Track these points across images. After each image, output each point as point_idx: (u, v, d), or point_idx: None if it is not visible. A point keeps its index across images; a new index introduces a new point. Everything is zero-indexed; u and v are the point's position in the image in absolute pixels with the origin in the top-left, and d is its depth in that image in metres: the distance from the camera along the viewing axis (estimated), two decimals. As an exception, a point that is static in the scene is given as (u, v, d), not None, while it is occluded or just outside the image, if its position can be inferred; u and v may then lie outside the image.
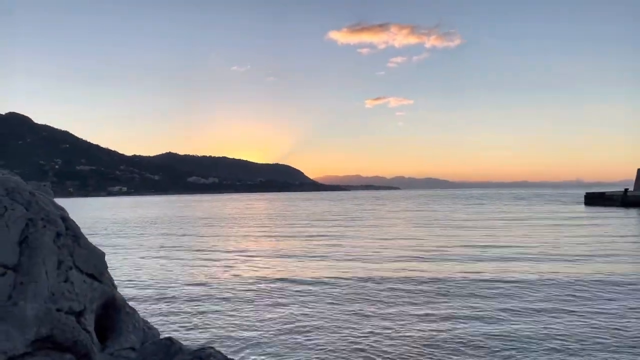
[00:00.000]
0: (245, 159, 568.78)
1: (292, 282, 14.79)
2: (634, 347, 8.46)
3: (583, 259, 18.15)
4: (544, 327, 9.56)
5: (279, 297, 12.70)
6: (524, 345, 8.53)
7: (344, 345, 8.73)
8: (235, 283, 14.82)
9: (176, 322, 10.54)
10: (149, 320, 5.66)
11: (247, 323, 10.33)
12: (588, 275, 14.82)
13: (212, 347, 5.06)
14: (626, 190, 62.13)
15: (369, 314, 10.82)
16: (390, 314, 10.80)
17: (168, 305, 12.17)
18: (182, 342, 4.87)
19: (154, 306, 12.05)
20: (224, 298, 12.80)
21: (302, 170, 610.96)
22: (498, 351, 8.32)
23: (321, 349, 8.60)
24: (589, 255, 18.89)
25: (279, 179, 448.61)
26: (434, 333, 9.30)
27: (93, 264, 4.59)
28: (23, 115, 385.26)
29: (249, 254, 21.98)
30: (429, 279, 14.63)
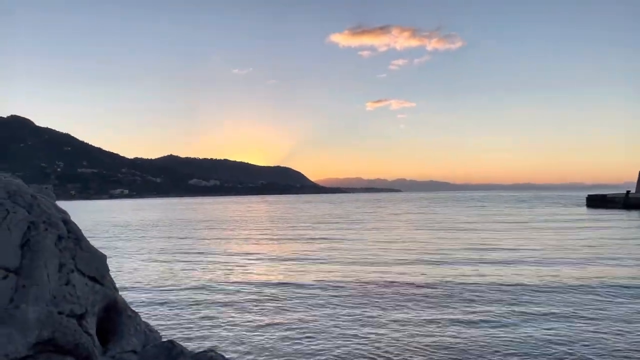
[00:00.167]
0: (246, 161, 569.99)
1: (294, 285, 14.76)
2: None
3: (587, 262, 18.09)
4: (548, 333, 9.48)
5: (282, 302, 12.65)
6: (529, 351, 8.46)
7: (348, 351, 8.69)
8: (237, 287, 14.80)
9: (178, 326, 10.51)
10: (150, 324, 5.65)
11: (250, 328, 10.28)
12: (592, 279, 14.74)
13: (213, 351, 5.06)
14: (628, 192, 62.09)
15: (374, 318, 10.76)
16: (395, 319, 10.74)
17: (169, 308, 12.15)
18: (183, 345, 4.87)
19: (155, 309, 12.04)
20: (226, 302, 12.77)
21: (303, 172, 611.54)
22: (502, 357, 8.26)
23: (325, 355, 8.57)
24: (593, 259, 18.82)
25: (280, 181, 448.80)
26: (439, 338, 9.24)
27: (95, 267, 4.59)
28: (24, 118, 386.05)
29: (250, 257, 21.96)
30: (432, 282, 14.59)
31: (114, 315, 4.71)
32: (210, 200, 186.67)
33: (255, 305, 12.26)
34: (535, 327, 9.86)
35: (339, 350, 8.70)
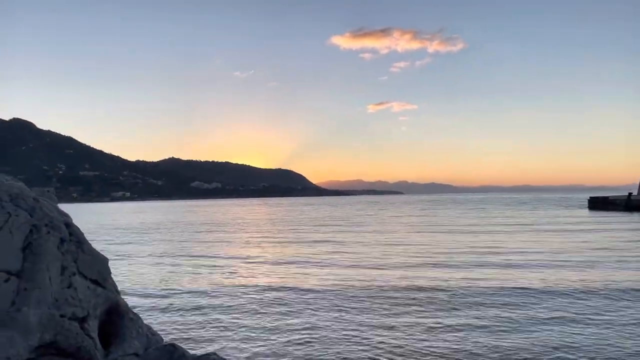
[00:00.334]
0: (248, 164, 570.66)
1: (296, 289, 14.69)
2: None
3: (590, 265, 18.00)
4: (552, 338, 9.40)
5: (284, 306, 12.57)
6: (533, 357, 8.38)
7: (354, 355, 8.62)
8: (239, 291, 14.75)
9: (179, 329, 10.48)
10: (152, 327, 5.62)
11: (252, 333, 10.21)
12: (596, 282, 14.64)
13: (215, 354, 5.04)
14: (630, 194, 62.02)
15: (377, 323, 10.66)
16: (400, 322, 10.67)
17: (171, 312, 12.12)
18: (185, 348, 4.84)
19: (157, 313, 12.01)
20: (228, 305, 12.72)
21: (304, 175, 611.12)
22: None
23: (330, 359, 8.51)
24: (597, 262, 18.72)
25: (282, 184, 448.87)
26: (443, 343, 9.16)
27: (97, 270, 4.57)
28: (26, 121, 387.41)
29: (252, 260, 21.93)
30: (435, 286, 14.50)
31: (115, 318, 4.69)
32: (211, 203, 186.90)
33: (258, 310, 12.18)
34: (539, 333, 9.77)
35: (344, 355, 8.63)
